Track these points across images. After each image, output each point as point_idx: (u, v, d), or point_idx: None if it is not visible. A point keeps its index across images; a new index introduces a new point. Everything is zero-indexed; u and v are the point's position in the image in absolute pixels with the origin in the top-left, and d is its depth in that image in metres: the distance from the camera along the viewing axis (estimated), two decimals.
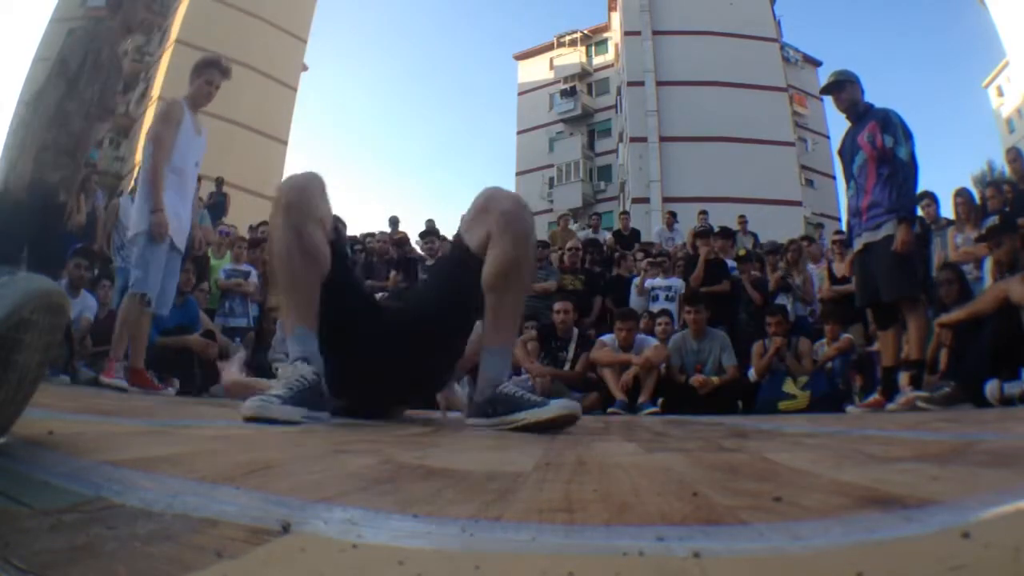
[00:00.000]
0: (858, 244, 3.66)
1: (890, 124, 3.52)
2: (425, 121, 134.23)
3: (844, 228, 4.33)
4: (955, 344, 3.73)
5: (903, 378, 3.47)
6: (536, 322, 5.29)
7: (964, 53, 72.38)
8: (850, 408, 3.79)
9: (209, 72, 3.60)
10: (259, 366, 4.53)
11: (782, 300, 5.59)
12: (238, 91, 14.61)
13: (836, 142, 4.13)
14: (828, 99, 3.94)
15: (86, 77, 3.41)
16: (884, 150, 3.49)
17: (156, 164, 3.41)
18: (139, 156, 17.27)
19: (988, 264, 4.39)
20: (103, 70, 3.49)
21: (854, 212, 3.71)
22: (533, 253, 1.80)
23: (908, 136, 3.52)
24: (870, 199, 3.55)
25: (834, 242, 6.01)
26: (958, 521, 0.48)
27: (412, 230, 8.61)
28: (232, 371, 3.20)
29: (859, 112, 3.70)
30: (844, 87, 3.73)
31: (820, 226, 11.38)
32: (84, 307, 4.62)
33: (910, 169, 3.47)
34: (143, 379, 3.53)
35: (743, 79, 20.92)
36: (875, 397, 3.59)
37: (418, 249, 6.95)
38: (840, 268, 5.57)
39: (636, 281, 6.28)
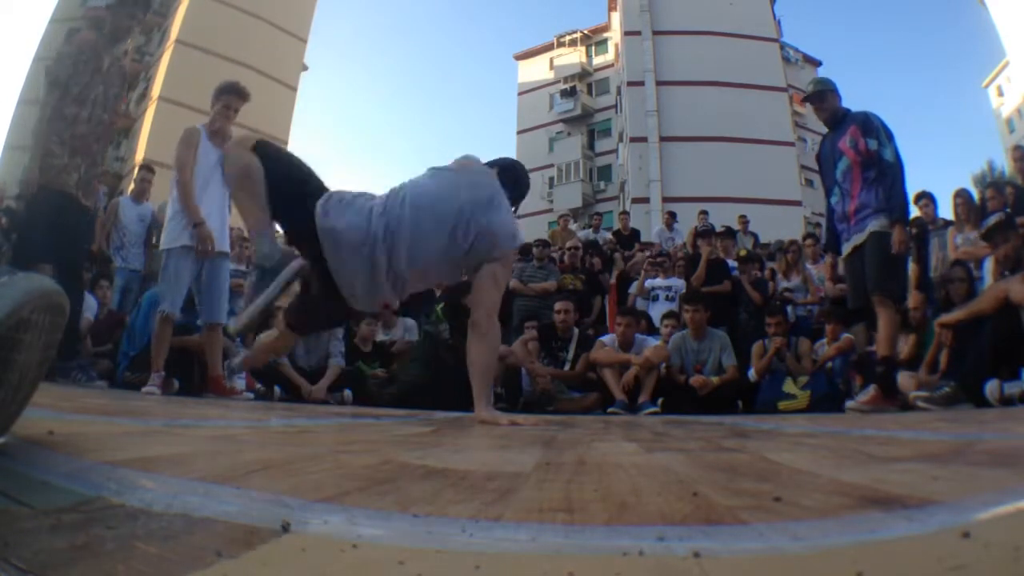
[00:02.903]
0: (847, 248, 3.66)
1: (871, 127, 3.53)
2: (425, 121, 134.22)
3: (824, 234, 4.29)
4: (955, 344, 3.72)
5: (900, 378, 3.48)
6: (536, 322, 5.29)
7: (964, 53, 72.42)
8: (849, 404, 3.78)
9: (226, 97, 3.71)
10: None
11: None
12: None
13: None
14: None
15: (82, 83, 3.51)
16: (869, 153, 3.50)
17: (182, 184, 3.59)
18: (139, 156, 17.30)
19: (988, 264, 4.38)
20: (102, 75, 3.61)
21: (840, 218, 3.71)
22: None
23: (890, 137, 3.53)
24: (857, 203, 3.55)
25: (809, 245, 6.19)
26: (958, 521, 0.48)
27: None
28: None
29: (838, 119, 3.73)
30: (825, 96, 3.75)
31: (819, 225, 11.40)
32: (84, 307, 4.61)
33: (897, 169, 3.48)
34: (220, 387, 3.78)
35: (743, 79, 20.90)
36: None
37: None
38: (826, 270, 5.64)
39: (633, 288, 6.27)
